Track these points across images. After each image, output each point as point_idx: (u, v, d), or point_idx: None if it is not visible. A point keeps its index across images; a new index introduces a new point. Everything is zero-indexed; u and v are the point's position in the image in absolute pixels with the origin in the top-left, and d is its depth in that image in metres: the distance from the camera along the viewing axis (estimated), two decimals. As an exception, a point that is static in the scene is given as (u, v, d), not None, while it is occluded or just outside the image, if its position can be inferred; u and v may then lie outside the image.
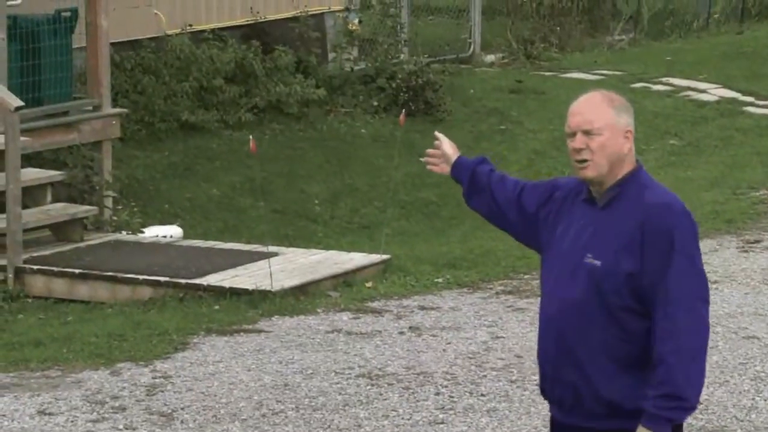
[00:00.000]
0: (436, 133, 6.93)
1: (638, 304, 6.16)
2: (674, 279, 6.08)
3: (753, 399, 11.17)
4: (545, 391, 6.46)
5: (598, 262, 6.18)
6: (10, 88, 15.48)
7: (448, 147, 6.90)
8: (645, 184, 6.31)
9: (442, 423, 10.79)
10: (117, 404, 11.39)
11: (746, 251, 15.09)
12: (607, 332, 6.27)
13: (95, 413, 11.15)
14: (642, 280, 6.09)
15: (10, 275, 14.73)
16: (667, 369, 6.05)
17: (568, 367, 6.42)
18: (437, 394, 11.39)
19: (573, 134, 6.16)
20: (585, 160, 6.14)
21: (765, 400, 10.93)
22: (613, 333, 6.22)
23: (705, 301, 6.15)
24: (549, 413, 6.49)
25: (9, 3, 16.69)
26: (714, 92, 22.31)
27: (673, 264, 6.07)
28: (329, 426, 10.83)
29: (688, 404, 6.05)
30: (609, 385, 6.28)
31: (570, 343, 6.39)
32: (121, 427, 10.89)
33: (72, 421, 11.00)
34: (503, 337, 12.69)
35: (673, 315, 6.10)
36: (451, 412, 10.99)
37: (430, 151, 6.85)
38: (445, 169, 6.92)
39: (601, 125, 6.12)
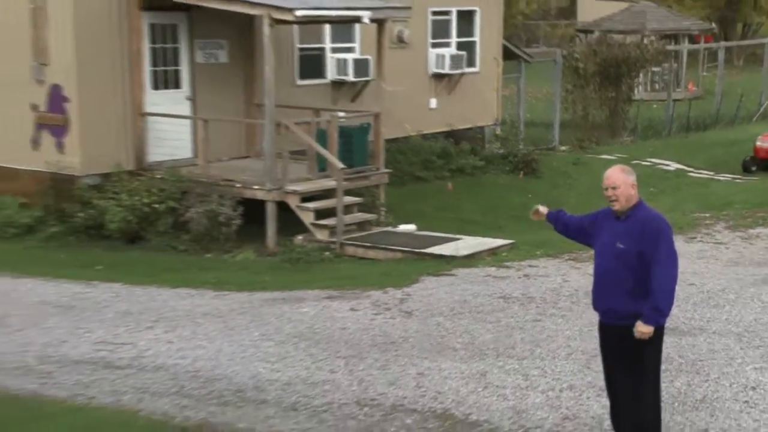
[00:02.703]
0: (538, 207, 7.72)
1: (641, 264, 6.79)
2: (661, 253, 6.75)
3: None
4: (596, 307, 7.23)
5: (623, 246, 6.90)
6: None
7: (543, 208, 7.67)
8: (643, 208, 6.99)
9: (539, 320, 11.00)
10: (386, 306, 11.82)
11: (687, 242, 14.89)
12: (624, 280, 6.86)
13: (376, 310, 11.68)
14: (645, 254, 6.79)
15: (337, 246, 15.27)
16: (654, 295, 6.71)
17: (605, 297, 7.07)
18: (537, 306, 11.61)
19: (607, 188, 6.94)
20: (614, 200, 6.95)
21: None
22: (626, 279, 6.84)
23: (675, 264, 6.81)
24: (597, 318, 7.22)
25: (340, 118, 17.11)
26: (672, 165, 22.96)
27: (660, 246, 6.78)
28: (484, 320, 11.08)
29: (665, 314, 6.83)
30: (623, 304, 6.89)
31: (607, 286, 7.05)
32: (388, 317, 11.34)
33: (364, 314, 11.48)
34: (569, 281, 12.78)
35: (659, 270, 6.73)
36: (543, 316, 11.19)
37: (533, 212, 7.76)
38: (542, 218, 7.70)
39: (619, 183, 6.89)
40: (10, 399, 8.79)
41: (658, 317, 6.82)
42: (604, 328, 7.19)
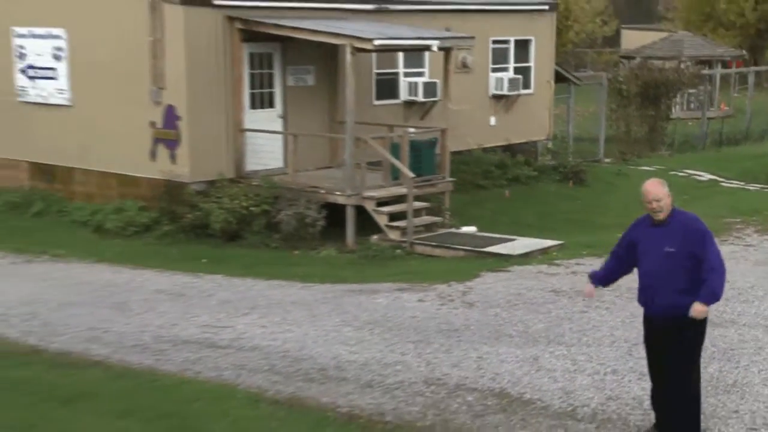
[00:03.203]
0: (585, 290, 7.46)
1: (693, 264, 6.75)
2: (709, 252, 6.76)
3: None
4: (643, 302, 7.05)
5: (673, 249, 6.77)
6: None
7: (588, 287, 7.40)
8: (680, 213, 6.94)
9: (586, 312, 10.87)
10: (449, 298, 11.76)
11: (719, 244, 13.95)
12: (675, 279, 6.78)
13: (441, 301, 11.63)
14: (695, 254, 6.74)
15: (407, 245, 15.25)
16: (708, 282, 6.71)
17: (659, 296, 6.88)
18: (583, 299, 11.15)
19: (651, 201, 6.82)
20: (659, 211, 6.83)
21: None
22: (678, 278, 6.76)
23: (721, 256, 6.83)
24: (642, 312, 7.09)
25: (411, 133, 17.15)
26: (706, 176, 22.39)
27: (706, 244, 6.78)
28: (536, 311, 10.94)
29: (718, 296, 6.81)
30: (676, 300, 6.78)
31: (660, 285, 6.87)
32: (452, 307, 11.26)
33: (432, 304, 11.45)
34: None
35: (710, 266, 6.73)
36: (589, 308, 10.98)
37: (585, 294, 7.62)
38: (593, 292, 7.39)
39: (661, 195, 6.80)
40: (131, 372, 8.96)
41: (713, 299, 6.79)
42: (654, 321, 7.01)
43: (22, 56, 18.03)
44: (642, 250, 6.95)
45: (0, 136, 18.56)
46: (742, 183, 21.77)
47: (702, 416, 7.32)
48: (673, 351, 6.95)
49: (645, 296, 7.01)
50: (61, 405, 7.91)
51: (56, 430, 7.37)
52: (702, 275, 6.75)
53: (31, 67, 17.94)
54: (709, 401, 7.90)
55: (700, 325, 6.91)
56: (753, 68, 35.75)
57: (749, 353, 9.31)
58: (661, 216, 6.86)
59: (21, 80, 18.17)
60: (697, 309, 6.74)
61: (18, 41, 18.07)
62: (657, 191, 6.85)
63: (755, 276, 12.72)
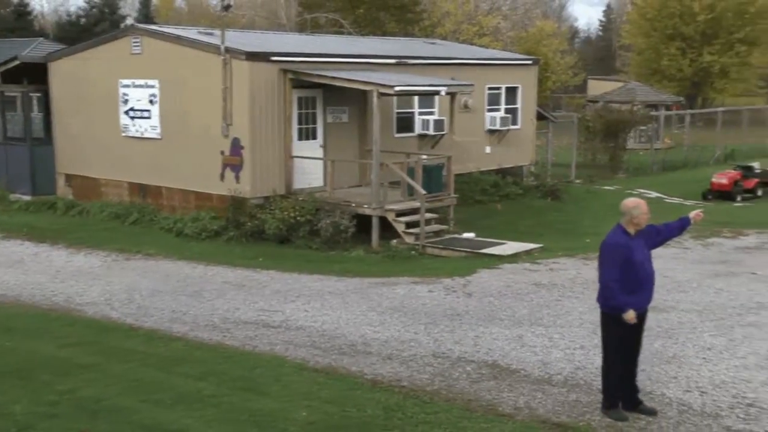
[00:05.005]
0: (629, 319, 6.40)
1: None
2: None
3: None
4: (639, 303, 6.36)
5: (649, 253, 6.53)
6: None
7: (632, 314, 6.40)
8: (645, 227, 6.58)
9: (560, 300, 10.74)
10: (453, 289, 11.62)
11: (663, 247, 12.94)
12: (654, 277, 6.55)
13: (447, 292, 11.48)
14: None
15: (420, 247, 14.96)
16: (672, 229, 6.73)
17: (652, 293, 6.59)
18: (558, 290, 11.30)
19: (645, 213, 6.40)
20: (645, 223, 6.51)
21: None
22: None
23: None
24: (632, 312, 6.40)
25: (423, 159, 16.59)
26: (654, 194, 21.64)
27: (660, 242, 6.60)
28: (521, 299, 10.80)
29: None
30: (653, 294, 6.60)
31: (653, 285, 6.57)
32: (454, 297, 11.11)
33: (439, 294, 11.32)
34: (581, 273, 12.38)
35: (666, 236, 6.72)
36: (563, 297, 10.90)
37: (629, 320, 6.40)
38: (632, 316, 6.35)
39: (649, 211, 6.54)
40: (204, 345, 9.01)
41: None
42: (643, 316, 6.60)
43: (125, 101, 18.17)
44: (637, 258, 6.42)
45: (108, 162, 18.72)
46: (681, 199, 21.44)
47: (648, 381, 7.26)
48: (643, 333, 6.79)
49: (643, 297, 6.47)
50: (157, 369, 8.06)
51: (155, 386, 7.51)
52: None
53: (132, 109, 18.05)
54: (654, 370, 7.82)
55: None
56: (689, 111, 35.70)
57: (686, 332, 9.28)
58: (644, 227, 6.56)
59: (124, 119, 18.24)
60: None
61: (123, 90, 18.29)
62: (647, 208, 6.58)
63: (691, 272, 12.61)
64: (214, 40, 16.55)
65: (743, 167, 22.50)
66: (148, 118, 17.87)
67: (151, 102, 17.82)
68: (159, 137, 17.80)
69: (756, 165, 22.83)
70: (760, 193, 21.97)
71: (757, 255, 14.01)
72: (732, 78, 47.55)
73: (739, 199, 21.38)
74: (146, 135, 17.96)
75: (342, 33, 28.23)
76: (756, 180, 22.11)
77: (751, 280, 11.99)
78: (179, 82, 17.19)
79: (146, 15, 47.61)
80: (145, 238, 15.90)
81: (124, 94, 18.29)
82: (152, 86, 17.74)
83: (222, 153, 16.54)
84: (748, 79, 48.29)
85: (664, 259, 12.83)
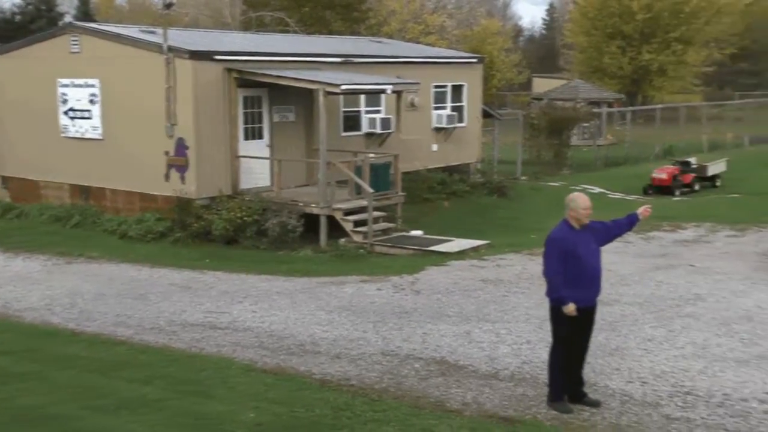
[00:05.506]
0: (569, 311, 6.42)
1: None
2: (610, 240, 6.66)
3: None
4: (583, 297, 6.35)
5: (597, 246, 6.57)
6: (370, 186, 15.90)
7: (571, 307, 6.42)
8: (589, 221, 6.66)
9: (507, 296, 10.77)
10: (401, 287, 11.60)
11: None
12: (601, 271, 6.61)
13: (395, 289, 11.50)
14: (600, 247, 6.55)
15: (368, 246, 14.96)
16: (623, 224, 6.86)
17: (598, 288, 6.62)
18: (505, 286, 11.30)
19: (587, 209, 6.42)
20: (588, 218, 6.54)
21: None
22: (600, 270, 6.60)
23: None
24: (574, 307, 6.43)
25: (370, 158, 16.61)
26: (597, 189, 21.93)
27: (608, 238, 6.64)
28: (469, 296, 10.68)
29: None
30: (600, 288, 6.64)
31: (599, 280, 6.59)
32: (403, 294, 11.13)
33: (388, 292, 11.31)
34: (527, 269, 12.41)
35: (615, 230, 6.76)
36: (510, 293, 10.95)
37: (569, 312, 6.41)
38: (571, 309, 6.38)
39: (591, 205, 6.59)
40: (150, 349, 8.90)
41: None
42: (588, 310, 6.59)
43: (64, 101, 17.81)
44: (582, 253, 6.43)
45: (48, 164, 18.31)
46: (623, 194, 21.72)
47: (592, 373, 7.35)
48: (592, 326, 6.81)
49: (588, 290, 6.47)
50: (99, 374, 7.91)
51: (98, 392, 7.36)
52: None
53: (72, 109, 17.70)
54: (598, 362, 7.93)
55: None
56: (630, 108, 36.28)
57: (628, 324, 9.36)
58: (587, 221, 6.58)
59: (63, 120, 17.87)
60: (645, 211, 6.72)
61: (62, 90, 17.89)
62: (590, 202, 6.60)
63: (633, 266, 12.74)
64: (157, 39, 16.29)
65: (681, 162, 23.10)
66: (89, 118, 17.52)
67: (91, 102, 17.44)
68: (101, 138, 17.44)
69: (693, 160, 23.40)
70: (697, 187, 22.39)
71: (694, 248, 14.30)
72: (669, 76, 48.79)
73: (677, 193, 21.76)
74: (87, 136, 17.61)
75: (288, 32, 28.00)
76: (693, 175, 22.57)
77: (689, 272, 12.19)
78: (121, 81, 16.87)
79: (85, 12, 46.33)
80: (88, 241, 15.58)
81: (63, 94, 17.90)
82: (92, 86, 17.38)
83: (166, 153, 16.27)
84: (684, 76, 49.53)
85: (607, 254, 13.14)
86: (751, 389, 7.23)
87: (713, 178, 22.99)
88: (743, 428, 6.43)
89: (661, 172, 22.25)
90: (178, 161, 16.12)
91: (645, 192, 22.18)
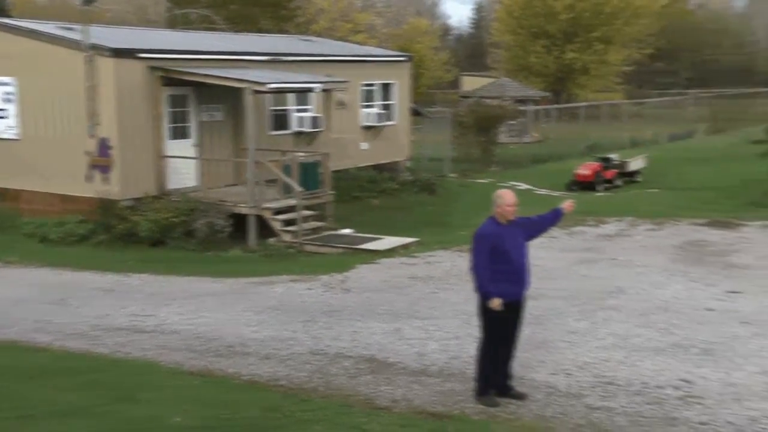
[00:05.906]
0: (496, 306, 6.47)
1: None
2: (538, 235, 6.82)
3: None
4: (507, 290, 6.43)
5: (524, 240, 6.64)
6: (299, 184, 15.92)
7: (498, 301, 6.47)
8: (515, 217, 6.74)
9: (436, 293, 10.80)
10: (331, 286, 11.58)
11: None
12: (527, 265, 6.67)
13: (325, 288, 11.45)
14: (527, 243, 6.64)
15: (298, 245, 14.91)
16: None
17: (525, 282, 6.68)
18: (434, 283, 11.46)
19: (512, 205, 6.46)
20: (513, 213, 6.61)
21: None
22: (527, 264, 6.68)
23: None
24: (501, 301, 6.49)
25: (300, 157, 16.54)
26: (523, 186, 22.13)
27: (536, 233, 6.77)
28: (399, 293, 10.70)
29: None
30: (528, 282, 6.70)
31: (525, 274, 6.65)
32: (332, 293, 11.06)
33: (317, 291, 11.29)
34: (457, 265, 12.38)
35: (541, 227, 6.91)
36: (439, 289, 11.02)
37: (496, 306, 6.48)
38: (498, 304, 6.42)
39: (517, 201, 6.63)
40: (71, 355, 8.67)
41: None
42: (516, 303, 6.66)
43: (-23, 99, 17.44)
44: (509, 248, 6.50)
45: (-41, 164, 17.80)
46: (548, 191, 22.00)
47: (519, 367, 7.46)
48: (520, 321, 6.88)
49: (515, 284, 6.55)
50: (18, 382, 7.63)
51: (18, 401, 7.10)
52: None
53: (-16, 108, 17.39)
54: (524, 355, 8.01)
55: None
56: (555, 106, 37.43)
57: (553, 318, 9.50)
58: (513, 217, 6.66)
59: (-24, 119, 17.52)
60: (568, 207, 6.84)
61: (-27, 87, 17.42)
62: (515, 200, 6.67)
63: (558, 260, 12.94)
64: (76, 36, 15.87)
65: (603, 159, 23.67)
66: (5, 117, 17.00)
67: (7, 101, 16.89)
68: (17, 138, 16.94)
69: (615, 156, 24.04)
70: (619, 182, 22.86)
71: (617, 241, 14.58)
72: (592, 74, 50.36)
73: (600, 189, 22.17)
74: (2, 136, 17.10)
75: (214, 30, 27.64)
76: (615, 171, 23.06)
77: (612, 265, 12.45)
78: (38, 79, 16.39)
79: (0, 8, 44.59)
80: (6, 245, 15.04)
81: (-24, 93, 17.42)
82: (8, 84, 16.84)
83: (88, 153, 15.91)
84: (605, 75, 51.17)
85: (533, 249, 13.10)
86: (667, 377, 7.45)
87: (634, 173, 23.48)
88: (659, 414, 6.62)
89: (585, 169, 22.71)
90: (102, 161, 15.82)
91: (569, 188, 22.49)
